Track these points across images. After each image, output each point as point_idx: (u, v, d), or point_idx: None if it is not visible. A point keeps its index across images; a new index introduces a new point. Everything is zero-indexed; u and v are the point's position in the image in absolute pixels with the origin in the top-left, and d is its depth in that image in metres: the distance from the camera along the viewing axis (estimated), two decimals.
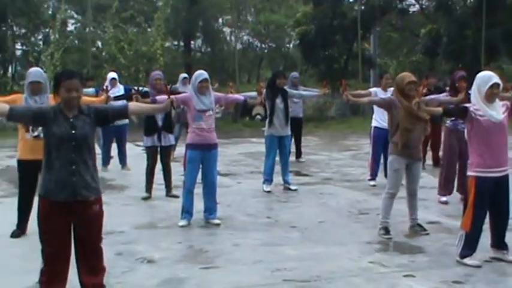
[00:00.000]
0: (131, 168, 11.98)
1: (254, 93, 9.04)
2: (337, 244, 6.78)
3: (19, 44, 31.85)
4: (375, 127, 10.03)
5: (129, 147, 12.89)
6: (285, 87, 10.04)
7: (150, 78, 9.39)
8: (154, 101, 7.27)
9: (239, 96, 8.52)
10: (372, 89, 10.48)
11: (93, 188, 4.84)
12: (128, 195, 9.50)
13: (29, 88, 6.81)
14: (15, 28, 30.53)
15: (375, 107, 9.71)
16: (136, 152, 14.01)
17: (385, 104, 7.28)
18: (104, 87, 9.02)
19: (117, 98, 9.67)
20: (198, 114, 7.48)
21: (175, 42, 34.56)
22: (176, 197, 8.93)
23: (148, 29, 24.95)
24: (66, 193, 4.71)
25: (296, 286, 5.43)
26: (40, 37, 31.37)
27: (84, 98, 6.33)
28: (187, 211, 7.62)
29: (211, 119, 7.61)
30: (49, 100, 6.71)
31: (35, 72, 7.01)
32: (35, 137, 6.75)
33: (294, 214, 8.31)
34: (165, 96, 7.55)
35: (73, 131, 4.73)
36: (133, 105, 5.52)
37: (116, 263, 5.87)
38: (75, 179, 4.72)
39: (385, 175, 8.12)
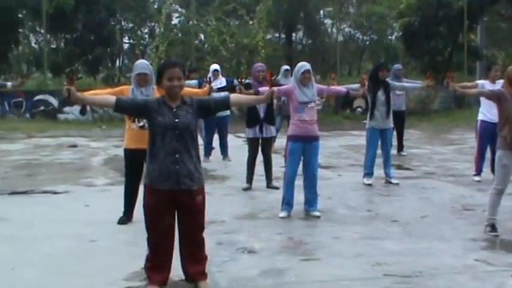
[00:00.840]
0: (232, 159, 12.12)
1: (356, 85, 8.91)
2: (440, 240, 6.58)
3: (126, 37, 32.93)
4: (482, 120, 9.67)
5: (230, 138, 13.06)
6: (388, 80, 9.86)
7: (252, 70, 9.45)
8: (257, 93, 7.32)
9: (341, 88, 8.42)
10: (479, 81, 10.08)
11: (196, 178, 4.93)
12: (228, 186, 9.62)
13: (136, 79, 7.01)
14: (123, 22, 31.61)
15: (482, 100, 9.37)
16: (237, 143, 14.20)
17: (494, 96, 7.00)
18: (207, 79, 9.18)
19: (219, 89, 9.81)
20: (300, 106, 7.47)
21: (277, 35, 34.68)
22: (276, 188, 8.98)
23: (250, 22, 25.13)
24: (171, 182, 4.82)
25: (397, 281, 5.31)
26: (146, 31, 32.32)
27: (188, 90, 6.46)
28: (287, 202, 7.63)
29: (313, 111, 7.57)
30: (154, 92, 6.89)
31: (141, 64, 7.21)
32: (141, 127, 6.94)
33: (395, 208, 8.15)
34: (267, 88, 7.61)
35: (176, 120, 4.83)
36: (235, 96, 5.57)
37: (217, 252, 5.94)
38: (178, 167, 4.81)
39: (492, 170, 7.81)
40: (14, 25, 27.91)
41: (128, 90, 6.99)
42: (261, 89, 7.62)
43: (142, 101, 5.24)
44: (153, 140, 4.91)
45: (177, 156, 4.83)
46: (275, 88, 5.85)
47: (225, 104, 5.28)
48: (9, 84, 8.84)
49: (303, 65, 7.54)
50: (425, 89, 14.44)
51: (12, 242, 6.46)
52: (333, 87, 8.23)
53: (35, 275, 5.42)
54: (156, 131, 4.87)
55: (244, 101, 5.92)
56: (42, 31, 28.26)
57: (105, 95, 6.16)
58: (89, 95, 6.08)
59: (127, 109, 5.23)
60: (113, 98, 5.01)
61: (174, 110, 4.87)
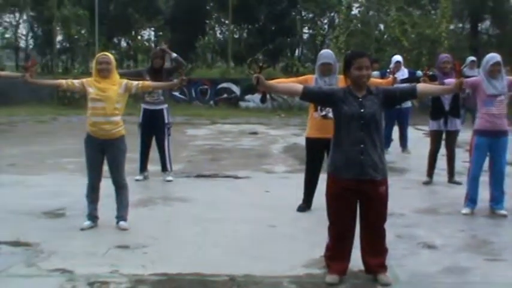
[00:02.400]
0: (411, 151, 11.88)
1: None
2: None
3: (306, 28, 33.28)
4: None
5: (410, 130, 12.78)
6: None
7: (437, 62, 9.13)
8: (442, 84, 7.09)
9: None
10: None
11: (380, 169, 4.89)
12: (408, 179, 9.42)
13: (320, 69, 7.08)
14: (303, 13, 32.00)
15: None
16: (416, 136, 13.88)
17: None
18: (390, 70, 9.04)
19: (401, 81, 9.62)
20: (488, 99, 7.12)
21: (460, 25, 33.31)
22: (459, 183, 8.66)
23: (432, 12, 24.35)
24: (355, 171, 4.81)
25: None
26: (325, 21, 32.48)
27: (372, 80, 6.40)
28: (471, 199, 7.32)
29: (503, 105, 7.18)
30: (338, 81, 6.91)
31: (325, 54, 7.26)
32: (323, 116, 7.00)
33: None
34: (453, 80, 7.33)
35: (362, 110, 4.81)
36: (422, 86, 5.44)
37: (396, 246, 5.84)
38: (362, 157, 4.80)
39: None
40: (201, 17, 29.33)
41: (312, 79, 7.07)
42: (447, 81, 7.37)
43: (328, 90, 5.29)
44: (338, 129, 4.93)
45: (361, 146, 4.81)
46: (463, 79, 5.60)
47: (411, 93, 5.16)
48: (174, 55, 9.16)
49: (493, 57, 7.18)
50: None
51: (199, 222, 6.79)
52: None
53: (220, 255, 5.66)
54: (341, 121, 4.89)
55: (432, 90, 5.76)
56: (227, 22, 29.41)
57: (288, 83, 6.30)
58: (274, 83, 6.22)
59: (313, 97, 5.30)
60: (299, 86, 5.09)
61: (360, 99, 4.86)
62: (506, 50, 28.86)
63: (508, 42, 29.20)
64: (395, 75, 8.31)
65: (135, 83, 6.65)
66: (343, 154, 4.86)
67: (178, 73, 8.59)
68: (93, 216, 6.51)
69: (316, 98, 5.31)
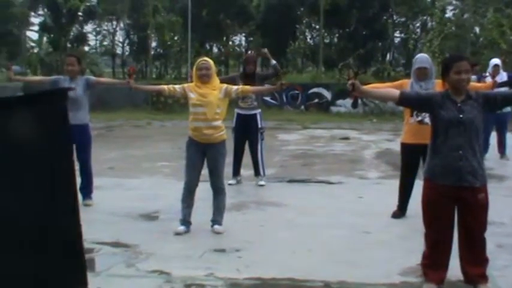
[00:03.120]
0: (510, 157, 11.47)
1: None
2: None
3: (397, 32, 32.78)
4: None
5: (509, 136, 12.34)
6: None
7: None
8: None
9: None
10: None
11: (480, 175, 4.75)
12: (507, 186, 9.10)
13: (415, 73, 6.95)
14: (395, 17, 31.54)
15: None
16: None
17: None
18: (487, 74, 8.76)
19: (500, 85, 9.30)
20: None
21: None
22: None
23: None
24: (453, 178, 4.69)
25: None
26: (418, 24, 31.89)
27: (471, 84, 6.21)
28: None
29: None
30: (434, 86, 6.76)
31: (421, 58, 7.12)
32: (419, 121, 6.86)
33: None
34: None
35: (460, 115, 4.68)
36: None
37: (497, 255, 5.63)
38: (461, 163, 4.67)
39: None
40: (292, 22, 29.40)
41: (407, 84, 6.94)
42: None
43: (426, 95, 5.19)
44: (435, 135, 4.82)
45: (460, 152, 4.69)
46: None
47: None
48: (273, 62, 9.20)
49: None
50: None
51: (293, 228, 6.80)
52: None
53: (314, 261, 5.64)
54: (439, 126, 4.77)
55: None
56: (317, 27, 29.35)
57: (384, 88, 6.21)
58: (370, 88, 6.15)
59: (410, 102, 5.21)
60: (396, 92, 5.01)
61: (459, 104, 4.73)
62: None
63: None
64: (496, 79, 8.04)
65: (234, 87, 6.73)
66: (441, 160, 4.75)
67: (277, 77, 8.65)
68: (187, 222, 6.61)
69: (413, 103, 5.21)
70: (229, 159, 9.02)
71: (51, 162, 3.51)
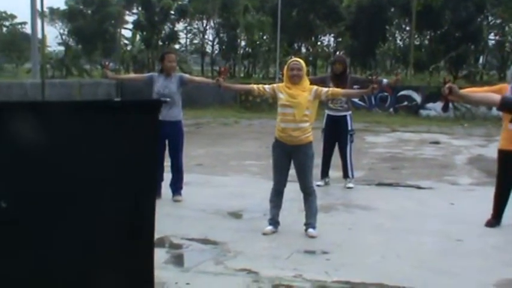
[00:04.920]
0: None
1: None
2: None
3: (492, 34, 31.82)
4: None
5: None
6: None
7: None
8: None
9: None
10: None
11: None
12: None
13: None
14: (490, 18, 30.62)
15: None
16: None
17: None
18: None
19: None
20: None
21: None
22: None
23: None
24: None
25: None
26: None
27: None
28: None
29: None
30: None
31: None
32: None
33: None
34: None
35: None
36: None
37: None
38: None
39: None
40: (382, 23, 29.01)
41: (507, 89, 6.69)
42: None
43: None
44: None
45: None
46: None
47: None
48: (384, 81, 9.13)
49: None
50: None
51: (381, 232, 6.69)
52: None
53: (403, 266, 5.53)
54: None
55: None
56: (408, 28, 28.86)
57: (483, 92, 6.01)
58: (466, 92, 5.97)
59: None
60: (497, 96, 4.83)
61: None
62: None
63: None
64: None
65: (324, 89, 6.66)
66: None
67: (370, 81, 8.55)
68: (275, 221, 6.61)
69: None
70: (318, 161, 9.05)
71: (136, 172, 3.58)
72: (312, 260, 5.75)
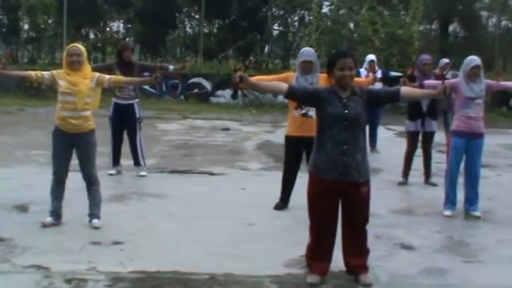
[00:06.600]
0: (382, 151, 11.90)
1: None
2: None
3: (276, 24, 33.20)
4: None
5: (381, 130, 12.86)
6: None
7: (418, 62, 9.13)
8: (421, 86, 7.11)
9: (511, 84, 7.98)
10: None
11: (363, 170, 4.89)
12: (382, 179, 9.37)
13: (301, 67, 7.04)
14: (274, 9, 31.95)
15: None
16: (386, 136, 13.94)
17: None
18: (365, 68, 9.04)
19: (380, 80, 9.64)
20: (466, 101, 7.16)
21: (428, 26, 33.63)
22: (434, 185, 8.72)
23: (402, 12, 24.49)
24: (337, 172, 4.79)
25: None
26: (296, 18, 32.47)
27: (354, 80, 6.37)
28: (451, 201, 7.36)
29: (480, 107, 7.24)
30: (319, 79, 6.88)
31: (307, 51, 7.22)
32: (303, 114, 6.96)
33: None
34: (433, 82, 7.36)
35: (346, 111, 4.78)
36: (405, 89, 5.38)
37: (375, 246, 5.79)
38: (346, 158, 4.78)
39: None
40: (172, 10, 29.06)
41: (292, 77, 7.01)
42: (427, 82, 7.39)
43: (313, 90, 5.26)
44: (321, 130, 4.89)
45: (345, 147, 4.79)
46: (447, 82, 5.63)
47: (395, 96, 5.13)
48: (171, 67, 9.18)
49: (473, 60, 7.21)
50: None
51: (176, 219, 6.71)
52: (502, 82, 7.80)
53: (199, 253, 5.58)
54: (325, 121, 4.85)
55: (415, 94, 5.70)
56: (197, 16, 29.23)
57: (271, 81, 6.23)
58: (256, 80, 6.16)
59: (298, 97, 5.26)
60: (284, 85, 5.04)
61: (344, 100, 4.83)
62: (475, 52, 29.28)
63: (475, 44, 29.59)
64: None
65: (107, 77, 6.48)
66: (326, 155, 4.82)
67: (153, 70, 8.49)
68: (56, 214, 6.33)
69: (301, 97, 5.27)
70: (108, 149, 8.87)
71: None
72: (105, 251, 5.60)
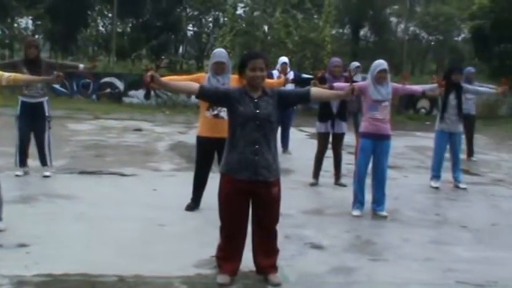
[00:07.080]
0: (292, 152, 12.06)
1: (432, 85, 8.67)
2: None
3: (191, 25, 33.10)
4: None
5: (293, 131, 13.03)
6: (461, 83, 9.63)
7: (329, 65, 9.33)
8: (331, 87, 7.26)
9: (417, 88, 8.27)
10: None
11: (274, 170, 4.94)
12: (293, 180, 9.52)
13: (213, 68, 7.04)
14: (188, 10, 31.83)
15: None
16: (298, 137, 14.13)
17: None
18: (280, 71, 9.14)
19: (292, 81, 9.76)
20: (373, 104, 7.38)
21: (340, 30, 34.39)
22: (344, 185, 8.92)
23: (315, 16, 24.92)
24: (249, 172, 4.82)
25: None
26: (210, 19, 32.47)
27: (265, 81, 6.43)
28: (360, 201, 7.55)
29: (387, 110, 7.47)
30: (230, 80, 6.91)
31: (219, 53, 7.23)
32: (215, 115, 6.97)
33: (463, 213, 8.00)
34: (342, 84, 7.53)
35: (257, 111, 4.83)
36: (315, 90, 5.49)
37: (285, 246, 5.86)
38: (257, 158, 4.82)
39: None
40: (84, 8, 28.44)
41: (204, 78, 7.01)
42: (336, 84, 7.55)
43: (225, 90, 5.27)
44: (233, 130, 4.91)
45: (256, 147, 4.83)
46: (355, 85, 5.77)
47: (305, 97, 5.22)
48: (81, 66, 8.97)
49: (380, 64, 7.44)
50: (499, 95, 13.97)
51: (85, 221, 6.58)
52: (408, 86, 8.08)
53: (107, 255, 5.49)
54: (237, 121, 4.87)
55: (325, 95, 5.84)
56: (110, 15, 28.74)
57: (182, 81, 6.20)
58: (168, 80, 6.12)
59: (209, 97, 5.25)
60: (196, 85, 5.03)
61: (256, 100, 4.87)
62: (384, 57, 30.15)
63: (385, 49, 30.49)
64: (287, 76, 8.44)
65: (6, 74, 6.28)
66: (237, 154, 4.85)
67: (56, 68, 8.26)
68: None
69: (212, 97, 5.26)
70: (13, 149, 8.61)
71: None
72: (10, 254, 5.41)
